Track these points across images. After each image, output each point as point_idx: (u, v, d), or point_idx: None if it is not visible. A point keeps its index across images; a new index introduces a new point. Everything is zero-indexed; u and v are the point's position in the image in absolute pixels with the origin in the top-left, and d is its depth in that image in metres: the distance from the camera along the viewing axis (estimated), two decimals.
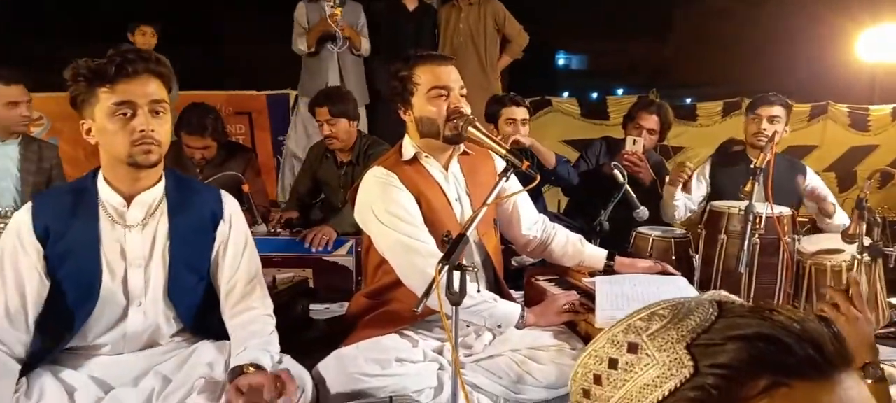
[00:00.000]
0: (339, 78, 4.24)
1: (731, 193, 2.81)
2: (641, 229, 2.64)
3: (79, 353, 1.57)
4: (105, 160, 1.54)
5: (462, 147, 1.95)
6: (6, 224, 1.62)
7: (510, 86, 4.78)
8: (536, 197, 3.13)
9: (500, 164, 2.06)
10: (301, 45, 4.24)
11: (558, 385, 1.68)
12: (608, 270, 2.09)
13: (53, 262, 1.52)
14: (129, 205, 1.55)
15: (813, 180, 3.00)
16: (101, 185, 1.55)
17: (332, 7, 4.06)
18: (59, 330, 1.54)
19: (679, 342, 0.54)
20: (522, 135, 3.07)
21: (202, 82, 5.11)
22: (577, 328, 1.92)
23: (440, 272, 1.41)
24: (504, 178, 1.63)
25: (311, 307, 2.42)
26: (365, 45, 4.26)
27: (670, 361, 0.54)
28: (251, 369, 1.48)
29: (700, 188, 3.04)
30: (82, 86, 1.46)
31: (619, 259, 2.12)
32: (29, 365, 1.50)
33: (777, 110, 2.88)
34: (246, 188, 2.76)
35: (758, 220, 2.30)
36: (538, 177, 1.67)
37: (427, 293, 1.48)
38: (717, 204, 2.66)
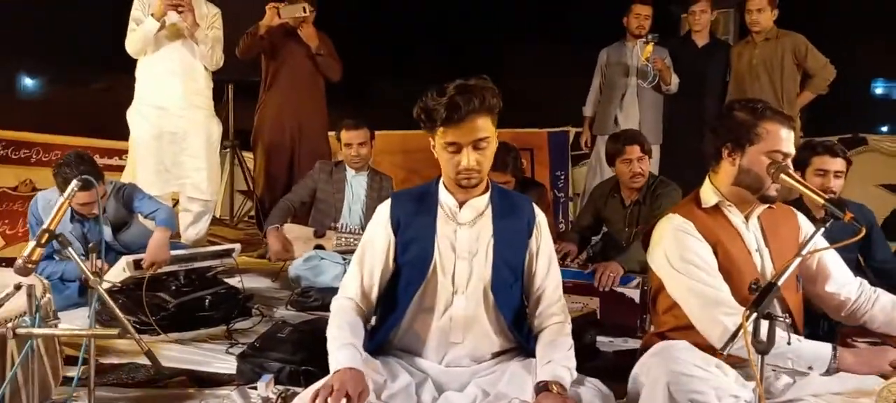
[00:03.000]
0: (637, 113, 4.32)
1: None
2: None
3: (418, 360, 1.88)
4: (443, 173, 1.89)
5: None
6: (359, 237, 2.06)
7: (809, 120, 4.34)
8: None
9: (804, 223, 1.97)
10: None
11: None
12: None
13: (400, 248, 1.89)
14: (461, 208, 1.87)
15: None
16: (441, 189, 1.90)
17: (644, 43, 4.18)
18: (396, 306, 1.88)
19: None
20: (835, 189, 2.76)
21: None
22: None
23: (747, 319, 1.42)
24: (821, 228, 1.56)
25: (598, 338, 2.54)
26: (675, 81, 4.29)
27: None
28: (555, 387, 1.65)
29: None
30: (423, 122, 1.82)
31: None
32: (380, 351, 1.86)
33: None
34: None
35: None
36: (863, 231, 1.56)
37: (733, 338, 1.49)
38: None
